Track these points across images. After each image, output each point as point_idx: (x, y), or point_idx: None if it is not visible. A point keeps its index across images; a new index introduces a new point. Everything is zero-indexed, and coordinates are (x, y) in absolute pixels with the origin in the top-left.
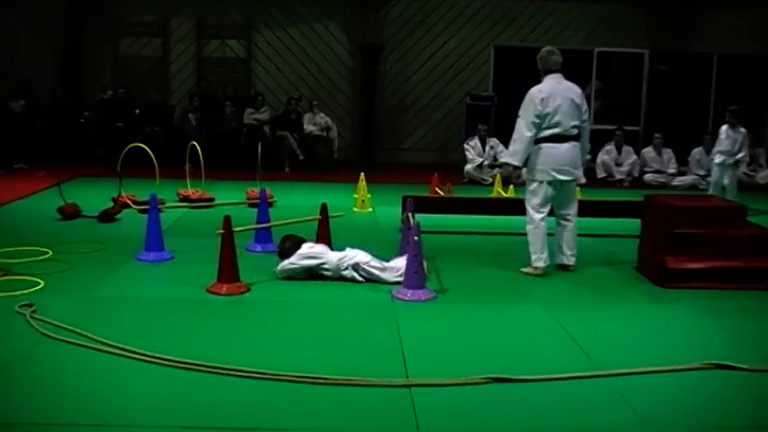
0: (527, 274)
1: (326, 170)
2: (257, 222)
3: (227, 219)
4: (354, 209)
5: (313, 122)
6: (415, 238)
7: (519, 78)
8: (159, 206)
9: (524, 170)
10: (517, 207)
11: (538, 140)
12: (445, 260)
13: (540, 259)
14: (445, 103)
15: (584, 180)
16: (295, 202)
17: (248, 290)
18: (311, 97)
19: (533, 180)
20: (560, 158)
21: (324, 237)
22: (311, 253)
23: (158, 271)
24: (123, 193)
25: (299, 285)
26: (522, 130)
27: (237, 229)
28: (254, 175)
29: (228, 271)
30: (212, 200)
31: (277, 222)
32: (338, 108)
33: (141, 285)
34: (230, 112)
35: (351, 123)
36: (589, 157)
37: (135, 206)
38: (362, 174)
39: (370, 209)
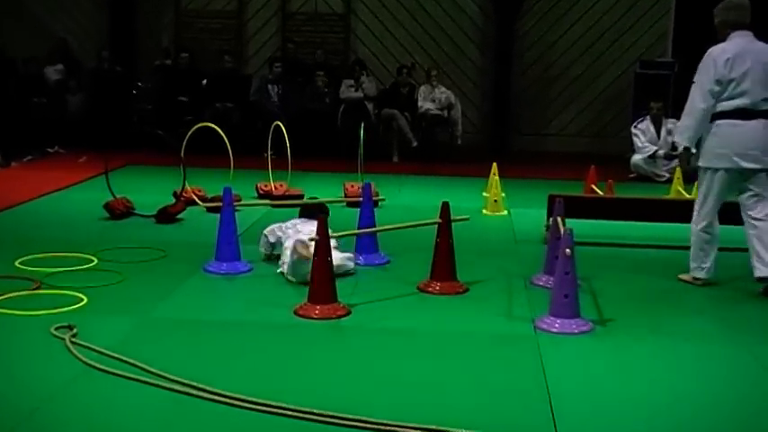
0: (684, 281)
1: (447, 160)
2: (359, 227)
3: (322, 220)
4: (484, 211)
5: (431, 98)
6: (567, 250)
7: (709, 38)
8: (234, 204)
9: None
10: None
11: (715, 116)
12: (605, 280)
13: (701, 269)
14: (605, 73)
15: None
16: (407, 201)
17: (348, 313)
18: (429, 66)
19: (705, 168)
20: (746, 139)
21: (444, 247)
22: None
23: (232, 287)
24: (188, 187)
25: (413, 308)
26: (696, 100)
27: (335, 234)
28: (353, 166)
29: (323, 288)
30: (301, 196)
31: (384, 227)
32: (463, 80)
33: (210, 305)
34: (323, 84)
35: (480, 100)
36: None
37: (203, 203)
38: (495, 165)
39: (505, 212)
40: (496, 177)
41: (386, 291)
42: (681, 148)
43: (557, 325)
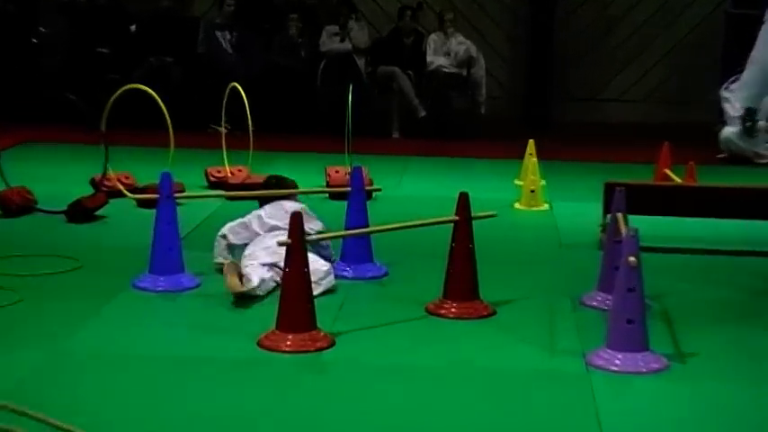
0: None
1: (467, 136)
2: (346, 227)
3: (296, 218)
4: (517, 205)
5: (444, 51)
6: (631, 259)
7: None
8: (175, 195)
9: None
10: None
11: None
12: (684, 299)
13: None
14: (683, 14)
15: None
16: (411, 191)
17: (331, 344)
18: (442, 6)
19: None
20: None
21: (462, 255)
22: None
23: (173, 309)
24: (111, 172)
25: (420, 338)
26: (759, 46)
27: (314, 236)
28: (339, 144)
29: (297, 311)
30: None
31: (381, 227)
32: (489, 26)
33: (143, 334)
34: (297, 32)
35: (511, 54)
36: None
37: (131, 195)
38: (531, 143)
39: (545, 205)
40: (534, 159)
41: (383, 314)
42: None
43: (617, 361)
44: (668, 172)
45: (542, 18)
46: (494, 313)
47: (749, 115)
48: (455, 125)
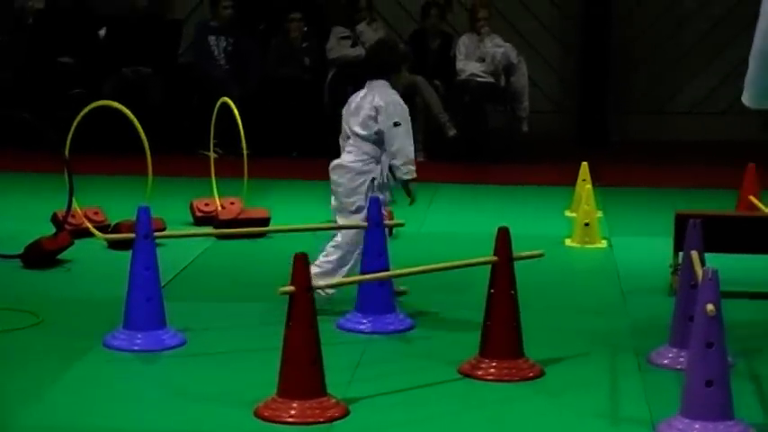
0: None
1: (506, 158)
2: (362, 270)
3: (300, 261)
4: (569, 242)
5: (478, 56)
6: (710, 307)
7: None
8: (155, 234)
9: None
10: None
11: None
12: None
13: None
14: None
15: None
16: (439, 225)
17: (344, 414)
18: (474, 2)
19: None
20: None
21: (503, 303)
22: None
23: (154, 372)
24: (77, 207)
25: (453, 405)
26: (757, 40)
27: (323, 283)
28: None
29: (301, 374)
30: (266, 220)
31: (403, 270)
32: (533, 27)
33: (116, 404)
34: (300, 35)
35: (561, 60)
36: None
37: (101, 234)
38: (585, 166)
39: (604, 242)
40: (588, 186)
41: (407, 375)
42: None
43: None
44: (754, 200)
45: (598, 15)
46: (541, 374)
47: None
48: (492, 145)
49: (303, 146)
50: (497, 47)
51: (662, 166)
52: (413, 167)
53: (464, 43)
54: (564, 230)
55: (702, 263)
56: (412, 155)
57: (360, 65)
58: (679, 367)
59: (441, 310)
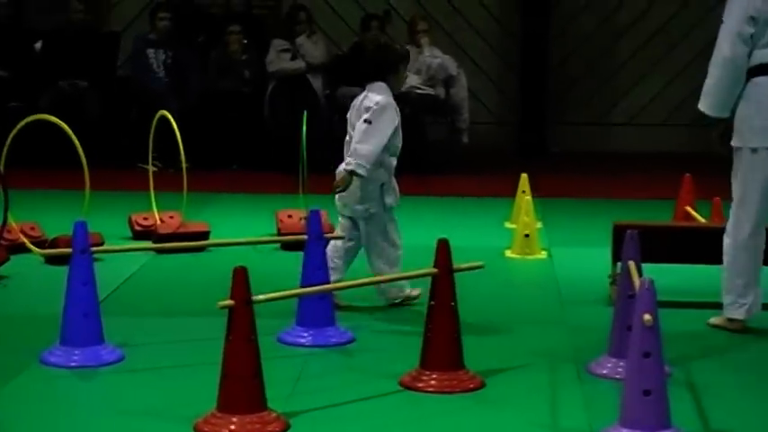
0: (717, 326)
1: (446, 170)
2: (303, 283)
3: (240, 274)
4: (509, 253)
5: (417, 68)
6: (647, 317)
7: None
8: (93, 249)
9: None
10: None
11: (752, 71)
12: (713, 364)
13: (738, 306)
14: (703, 21)
15: None
16: None
17: (284, 428)
18: (414, 15)
19: (739, 148)
20: None
21: (443, 315)
22: None
23: (92, 389)
24: (12, 222)
25: (394, 418)
26: (722, 47)
27: (263, 297)
28: (292, 183)
29: (241, 388)
30: (206, 234)
31: (344, 283)
32: (472, 39)
33: (54, 422)
34: (240, 48)
35: (500, 72)
36: None
37: (38, 249)
38: (524, 178)
39: (543, 253)
40: (528, 197)
41: (348, 389)
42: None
43: None
44: (690, 210)
45: (536, 29)
46: (482, 385)
47: None
48: (432, 157)
49: (243, 159)
50: (436, 59)
51: (601, 176)
52: (355, 161)
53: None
54: (504, 242)
55: (640, 273)
56: (364, 152)
57: (359, 66)
58: (618, 377)
59: (382, 323)
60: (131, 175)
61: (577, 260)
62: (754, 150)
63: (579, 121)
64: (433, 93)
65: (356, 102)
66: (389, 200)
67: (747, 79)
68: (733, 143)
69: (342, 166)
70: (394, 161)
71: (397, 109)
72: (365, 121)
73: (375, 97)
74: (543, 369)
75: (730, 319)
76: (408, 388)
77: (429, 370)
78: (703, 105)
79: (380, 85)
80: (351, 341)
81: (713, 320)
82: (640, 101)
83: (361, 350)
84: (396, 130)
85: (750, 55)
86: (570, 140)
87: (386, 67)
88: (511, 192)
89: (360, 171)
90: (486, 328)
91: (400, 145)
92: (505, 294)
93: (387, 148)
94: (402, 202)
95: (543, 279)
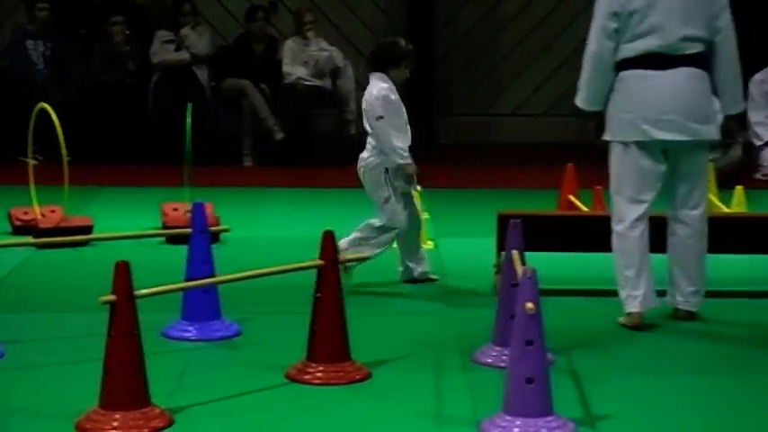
0: (624, 325)
1: (334, 162)
2: (187, 277)
3: (122, 268)
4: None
5: (304, 60)
6: (529, 305)
7: None
8: None
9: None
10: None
11: (620, 65)
12: (594, 350)
13: (632, 299)
14: (585, 12)
15: (715, 137)
16: (268, 231)
17: (168, 423)
18: (300, 6)
19: (614, 143)
20: (659, 98)
21: (329, 307)
22: None
23: None
24: None
25: (280, 411)
26: (590, 41)
27: (146, 291)
28: (177, 176)
29: (124, 384)
30: (89, 228)
31: (229, 276)
32: (358, 31)
33: None
34: (123, 39)
35: None
36: (744, 106)
37: None
38: None
39: (429, 243)
40: (417, 188)
41: (234, 383)
42: (740, 150)
43: (516, 429)
44: (573, 199)
45: (421, 20)
46: (368, 376)
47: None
48: (320, 149)
49: (127, 151)
50: (323, 51)
51: (487, 167)
52: (396, 155)
53: (290, 47)
54: None
55: (523, 262)
56: (393, 143)
57: (368, 57)
58: (502, 365)
59: (268, 316)
60: (11, 168)
61: (464, 250)
62: (623, 144)
63: (465, 112)
64: (320, 84)
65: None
66: (398, 183)
67: (616, 74)
68: (604, 137)
69: (389, 165)
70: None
71: (395, 94)
72: (378, 118)
73: (373, 90)
74: (429, 359)
75: (627, 314)
76: (294, 380)
77: (315, 362)
78: (578, 99)
79: (380, 75)
80: (237, 334)
81: (621, 319)
82: (524, 92)
83: (248, 343)
84: (398, 111)
85: (617, 50)
86: (457, 132)
87: (387, 60)
88: None
89: (406, 161)
90: (373, 319)
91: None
92: (391, 284)
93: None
94: (290, 195)
95: (430, 269)
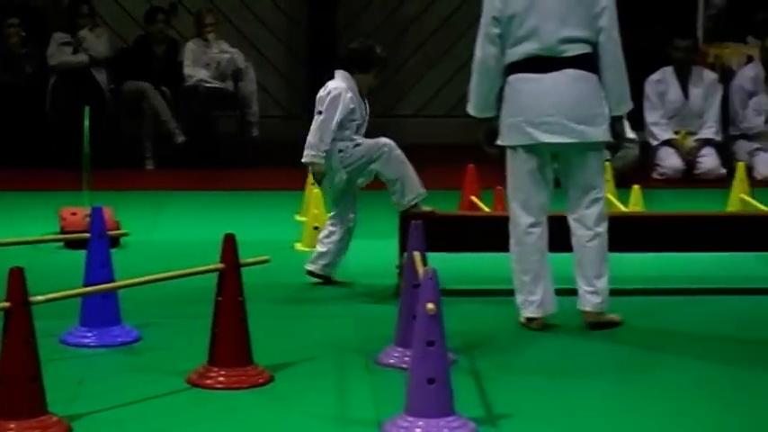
0: (523, 325)
1: (237, 164)
2: (86, 282)
3: (16, 275)
4: (299, 246)
5: (204, 62)
6: (429, 306)
7: None
8: None
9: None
10: (649, 232)
11: (507, 69)
12: (495, 349)
13: (528, 304)
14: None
15: (603, 138)
16: (170, 234)
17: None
18: (200, 7)
19: (507, 148)
20: (543, 101)
21: (229, 311)
22: None
23: None
24: None
25: (181, 417)
26: (477, 49)
27: (42, 297)
28: (76, 180)
29: (19, 392)
30: None
31: (128, 281)
32: (260, 33)
33: None
34: (18, 41)
35: (289, 65)
36: (631, 106)
37: None
38: None
39: None
40: (316, 190)
41: (134, 389)
42: (636, 149)
43: (417, 429)
44: (475, 199)
45: (324, 21)
46: (271, 380)
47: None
48: (222, 151)
49: (25, 155)
50: (224, 53)
51: None
52: (310, 150)
53: (191, 49)
54: (293, 235)
55: (425, 263)
56: (313, 140)
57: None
58: (405, 366)
59: (169, 321)
60: None
61: (368, 251)
62: (513, 148)
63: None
64: (222, 86)
65: None
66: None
67: (504, 79)
68: (498, 142)
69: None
70: (358, 131)
71: (353, 95)
72: (318, 112)
73: (329, 85)
74: (332, 361)
75: (528, 318)
76: (196, 385)
77: (217, 366)
78: (468, 106)
79: (342, 73)
80: (137, 340)
81: (521, 320)
82: (426, 94)
83: (148, 349)
84: (350, 111)
85: (503, 55)
86: None
87: (358, 64)
88: (301, 185)
89: (313, 160)
90: (275, 322)
91: (359, 118)
92: (295, 287)
93: (343, 127)
94: (192, 198)
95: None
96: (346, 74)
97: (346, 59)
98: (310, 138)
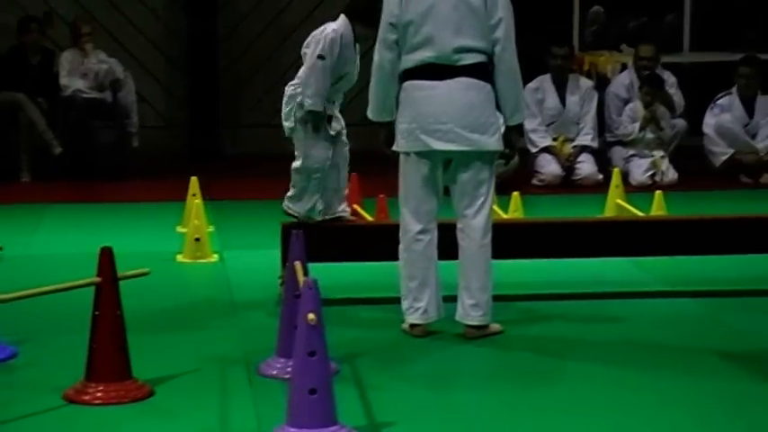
0: (408, 333)
1: (117, 175)
2: None
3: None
4: (180, 257)
5: (81, 72)
6: (310, 316)
7: None
8: None
9: None
10: (541, 239)
11: (403, 76)
12: (378, 358)
13: (413, 310)
14: None
15: (496, 147)
16: (48, 248)
17: None
18: (76, 17)
19: (401, 153)
20: (437, 108)
21: (108, 325)
22: None
23: None
24: None
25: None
26: (375, 54)
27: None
28: None
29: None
30: None
31: (4, 296)
32: (138, 42)
33: None
34: None
35: (168, 76)
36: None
37: None
38: (194, 181)
39: (215, 257)
40: (198, 200)
41: (9, 407)
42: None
43: None
44: (357, 208)
45: (203, 29)
46: (151, 394)
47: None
48: (101, 162)
49: None
50: (102, 63)
51: (272, 178)
52: (315, 99)
53: (67, 59)
54: (175, 246)
55: (305, 273)
56: (320, 86)
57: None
58: (287, 376)
59: (45, 336)
60: None
61: (250, 262)
62: (406, 154)
63: (250, 123)
64: (100, 97)
65: None
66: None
67: (400, 85)
68: (393, 147)
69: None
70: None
71: (349, 41)
72: (319, 56)
73: (329, 27)
74: (214, 374)
75: (412, 325)
76: (73, 402)
77: (95, 382)
78: (368, 110)
79: (346, 20)
80: (12, 356)
81: (403, 326)
82: None
83: (24, 365)
84: (345, 61)
85: (400, 61)
86: (244, 143)
87: (364, 16)
88: (182, 196)
89: (319, 108)
90: (154, 335)
91: (346, 74)
92: (175, 299)
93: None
94: (70, 210)
95: (214, 283)
96: (348, 23)
97: (353, 8)
98: (316, 83)
